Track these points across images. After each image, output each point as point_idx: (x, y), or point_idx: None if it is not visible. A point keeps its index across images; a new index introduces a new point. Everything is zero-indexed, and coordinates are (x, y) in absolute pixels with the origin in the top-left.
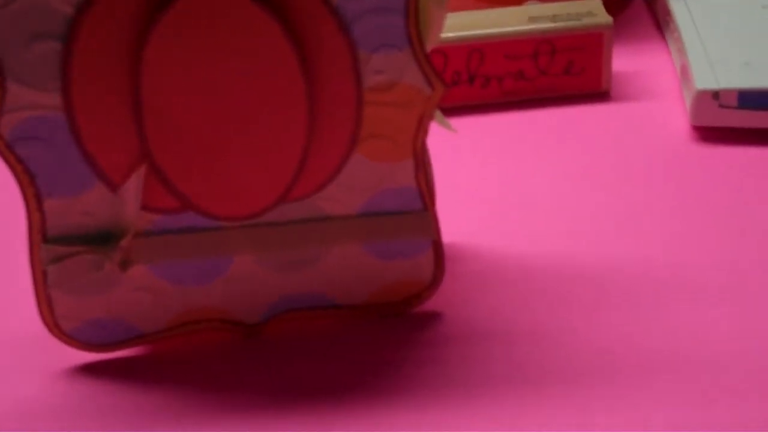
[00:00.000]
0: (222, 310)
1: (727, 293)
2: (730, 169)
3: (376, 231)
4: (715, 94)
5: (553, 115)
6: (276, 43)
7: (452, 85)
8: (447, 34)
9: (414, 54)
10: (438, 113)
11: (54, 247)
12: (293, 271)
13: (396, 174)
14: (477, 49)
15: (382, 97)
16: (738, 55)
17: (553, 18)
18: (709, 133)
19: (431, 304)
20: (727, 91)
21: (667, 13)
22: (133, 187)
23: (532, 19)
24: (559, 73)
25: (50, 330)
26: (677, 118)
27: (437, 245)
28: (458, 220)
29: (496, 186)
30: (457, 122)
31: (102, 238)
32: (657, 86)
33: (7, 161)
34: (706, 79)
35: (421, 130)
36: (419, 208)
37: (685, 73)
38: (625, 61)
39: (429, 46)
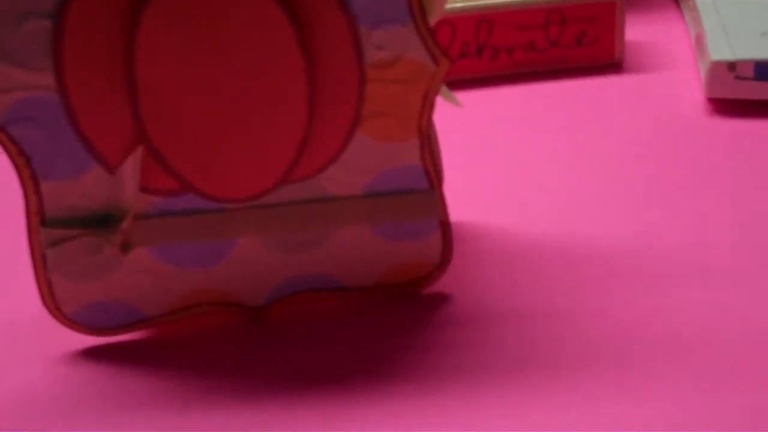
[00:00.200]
0: (226, 293)
1: (743, 274)
2: (746, 142)
3: (381, 211)
4: (731, 65)
5: (565, 87)
6: (272, 18)
7: (460, 57)
8: (454, 3)
9: (417, 28)
10: (444, 88)
11: (52, 230)
12: (298, 252)
13: (401, 153)
14: (485, 19)
15: (385, 74)
16: (755, 24)
17: None
18: (724, 106)
19: (440, 285)
20: (744, 62)
21: None
22: (130, 168)
23: None
24: (571, 43)
25: (51, 314)
26: (692, 90)
27: (445, 225)
28: (467, 198)
29: (506, 162)
30: (464, 96)
31: (101, 221)
32: (671, 57)
33: (1, 143)
34: (721, 50)
35: (426, 108)
36: (426, 187)
37: (700, 43)
38: (638, 30)
39: (433, 20)
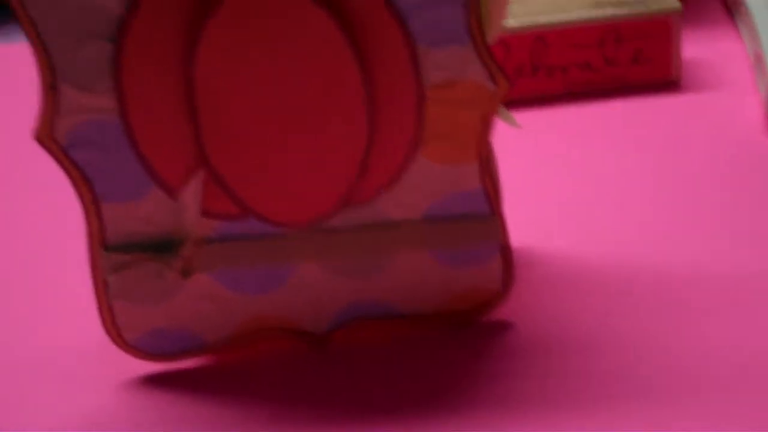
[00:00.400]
0: (287, 320)
1: None
2: None
3: (441, 236)
4: None
5: (621, 106)
6: (331, 39)
7: (515, 76)
8: (508, 23)
9: (476, 48)
10: (501, 108)
11: (114, 255)
12: (359, 279)
13: (461, 176)
14: (540, 38)
15: (444, 95)
16: None
17: (619, 4)
18: None
19: (501, 313)
20: None
21: None
22: (191, 192)
23: (597, 5)
24: (626, 62)
25: (113, 340)
26: (751, 109)
27: (506, 250)
28: (526, 222)
29: (564, 184)
30: (520, 116)
31: (162, 246)
32: (729, 75)
33: (63, 166)
34: None
35: (485, 129)
36: (486, 211)
37: (759, 62)
38: (695, 48)
39: (491, 39)
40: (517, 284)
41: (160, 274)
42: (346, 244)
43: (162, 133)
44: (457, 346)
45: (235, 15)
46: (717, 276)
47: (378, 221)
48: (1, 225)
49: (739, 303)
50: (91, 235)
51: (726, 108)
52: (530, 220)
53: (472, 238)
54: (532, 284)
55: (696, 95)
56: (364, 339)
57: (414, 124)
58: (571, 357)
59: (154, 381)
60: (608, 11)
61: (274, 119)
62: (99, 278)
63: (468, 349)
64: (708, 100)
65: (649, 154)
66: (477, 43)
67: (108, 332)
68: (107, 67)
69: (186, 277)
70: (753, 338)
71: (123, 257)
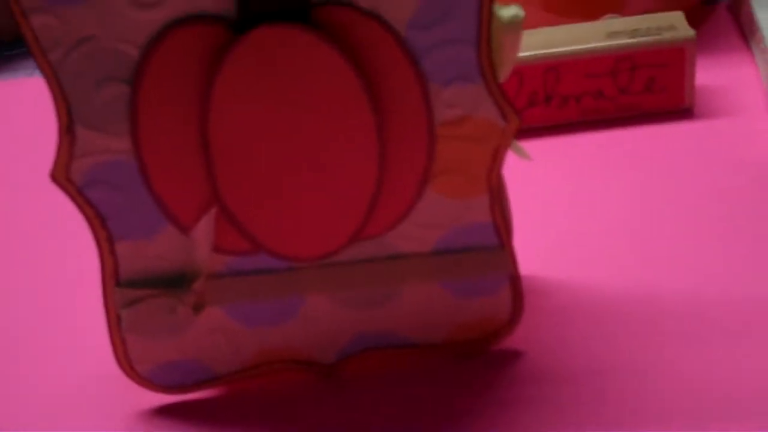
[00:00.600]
0: (297, 351)
1: None
2: None
3: (451, 268)
4: None
5: (635, 134)
6: (344, 80)
7: (528, 106)
8: (522, 53)
9: (487, 86)
10: (513, 141)
11: (127, 290)
12: (367, 310)
13: (471, 210)
14: (553, 67)
15: (455, 132)
16: None
17: (633, 33)
18: None
19: (512, 342)
20: None
21: (753, 22)
22: (203, 229)
23: (611, 35)
24: (640, 90)
25: (126, 373)
26: (765, 136)
27: (515, 281)
28: (537, 250)
29: (577, 212)
30: (533, 144)
31: (175, 281)
32: (744, 102)
33: (78, 205)
34: None
35: (496, 164)
36: (496, 244)
37: None
38: (708, 75)
39: (503, 76)
40: (527, 313)
41: (173, 309)
42: (356, 276)
43: (176, 172)
44: (468, 375)
45: (250, 56)
46: (729, 303)
47: (388, 254)
48: (19, 259)
49: (752, 329)
50: (104, 271)
51: (740, 135)
52: (541, 248)
53: (482, 270)
54: (542, 312)
55: (709, 122)
56: (373, 369)
57: (425, 160)
58: (581, 385)
59: (166, 412)
60: (622, 41)
61: (286, 158)
62: (112, 312)
63: (478, 378)
64: (722, 126)
65: (662, 182)
66: (488, 81)
67: (120, 365)
68: (123, 110)
69: (198, 312)
70: (766, 363)
71: (135, 293)
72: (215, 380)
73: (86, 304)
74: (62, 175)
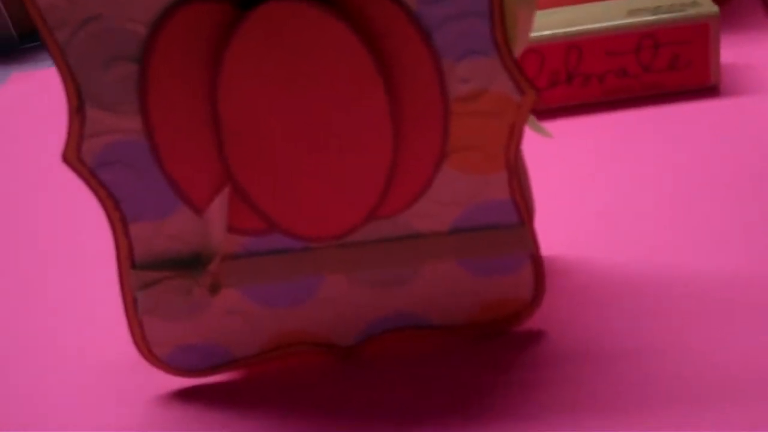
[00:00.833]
0: (315, 333)
1: None
2: None
3: (470, 247)
4: None
5: (659, 113)
6: (355, 55)
7: (550, 85)
8: (542, 32)
9: (501, 60)
10: (532, 119)
11: (142, 272)
12: (386, 290)
13: (489, 186)
14: (575, 46)
15: (470, 107)
16: None
17: (655, 10)
18: None
19: (533, 322)
20: None
21: None
22: (217, 209)
23: (633, 12)
24: (664, 68)
25: (144, 356)
26: None
27: (536, 260)
28: (560, 231)
29: (600, 192)
30: (556, 125)
31: (190, 263)
32: None
33: (91, 187)
34: None
35: (513, 140)
36: (515, 221)
37: None
38: (733, 52)
39: (518, 51)
40: (548, 293)
41: (189, 290)
42: (374, 256)
43: (188, 152)
44: (488, 355)
45: (258, 33)
46: (753, 283)
47: (406, 234)
48: (35, 244)
49: None
50: (119, 254)
51: (766, 111)
52: (564, 228)
53: (502, 248)
54: (563, 293)
55: (735, 99)
56: (393, 351)
57: (440, 137)
58: (602, 365)
59: (184, 395)
60: (644, 18)
61: (299, 135)
62: (128, 295)
63: (499, 359)
64: (748, 103)
65: (688, 161)
66: (503, 54)
67: (138, 348)
68: (133, 89)
69: (214, 293)
70: None
71: (151, 275)
72: (234, 363)
73: (105, 288)
74: (74, 156)
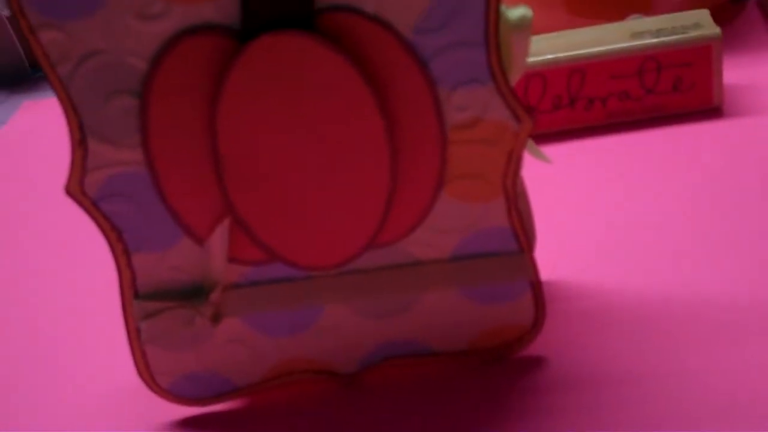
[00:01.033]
0: (317, 361)
1: None
2: None
3: (470, 275)
4: None
5: (662, 135)
6: (352, 86)
7: (553, 109)
8: (545, 56)
9: (498, 88)
10: (531, 144)
11: (145, 303)
12: (387, 318)
13: (487, 214)
14: (577, 69)
15: (467, 135)
16: None
17: (657, 32)
18: None
19: (534, 348)
20: None
21: None
22: (218, 240)
23: (635, 35)
24: (667, 90)
25: (147, 385)
26: None
27: (537, 286)
28: (562, 255)
29: (602, 215)
30: (559, 148)
31: (192, 293)
32: None
33: (94, 218)
34: None
35: (511, 167)
36: (514, 248)
37: None
38: (736, 73)
39: (514, 79)
40: (549, 318)
41: (191, 320)
42: (374, 284)
43: (188, 183)
44: (489, 382)
45: (256, 65)
46: (756, 307)
47: (405, 262)
48: (42, 273)
49: None
50: (122, 284)
51: None
52: (565, 252)
53: (502, 276)
54: (564, 318)
55: (739, 120)
56: (394, 378)
57: (438, 165)
58: (604, 391)
59: (187, 424)
60: (647, 41)
61: (298, 166)
62: (131, 325)
63: (500, 385)
64: (751, 125)
65: (691, 183)
66: (499, 83)
67: (141, 377)
68: (134, 122)
69: (216, 323)
70: None
71: (154, 305)
72: (236, 392)
73: (108, 318)
74: (77, 189)
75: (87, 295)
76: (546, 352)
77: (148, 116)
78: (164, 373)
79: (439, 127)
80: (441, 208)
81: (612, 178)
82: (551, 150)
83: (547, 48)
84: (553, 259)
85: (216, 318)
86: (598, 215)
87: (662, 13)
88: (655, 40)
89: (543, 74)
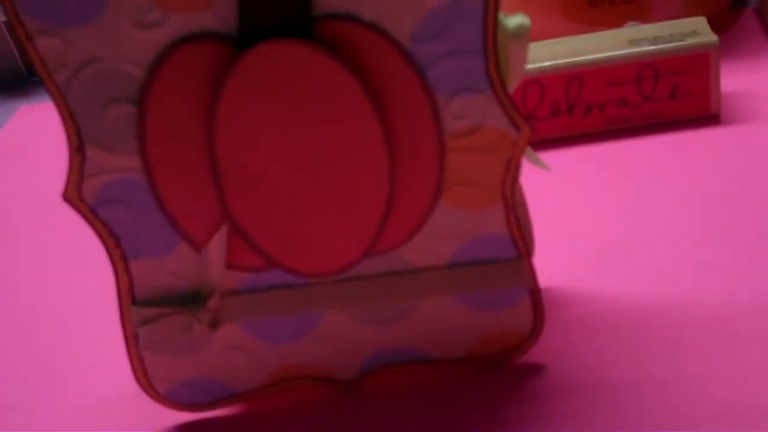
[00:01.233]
0: (316, 367)
1: None
2: None
3: (468, 281)
4: None
5: (660, 142)
6: (350, 94)
7: (551, 116)
8: (543, 63)
9: (496, 96)
10: (529, 151)
11: (143, 309)
12: (385, 325)
13: (486, 221)
14: (575, 76)
15: (465, 143)
16: None
17: (655, 40)
18: None
19: (532, 355)
20: None
21: None
22: (216, 246)
23: (633, 42)
24: (665, 97)
25: (145, 391)
26: None
27: (535, 293)
28: (560, 261)
29: (600, 222)
30: (557, 154)
31: (190, 299)
32: None
33: (92, 225)
34: None
35: (509, 175)
36: (513, 255)
37: None
38: (734, 80)
39: (512, 86)
40: (548, 325)
41: (189, 326)
42: (372, 291)
43: (186, 190)
44: (488, 389)
45: (254, 73)
46: (755, 314)
47: (403, 269)
48: (39, 279)
49: None
50: (120, 290)
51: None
52: (564, 258)
53: (500, 282)
54: (563, 325)
55: (737, 127)
56: (393, 384)
57: (436, 172)
58: (602, 397)
59: (185, 430)
60: (644, 48)
61: (295, 173)
62: (129, 331)
63: (499, 392)
64: (749, 132)
65: (689, 190)
66: (497, 90)
67: (139, 383)
68: (131, 129)
69: (214, 329)
70: None
71: (151, 311)
72: (234, 398)
73: (107, 323)
74: (74, 195)
75: (84, 301)
76: (544, 358)
77: (145, 124)
78: (162, 379)
79: (437, 134)
80: (439, 215)
81: (610, 184)
82: (549, 156)
83: (545, 55)
84: (552, 265)
85: (214, 324)
86: (596, 222)
87: (659, 20)
88: (652, 48)
89: (541, 81)
